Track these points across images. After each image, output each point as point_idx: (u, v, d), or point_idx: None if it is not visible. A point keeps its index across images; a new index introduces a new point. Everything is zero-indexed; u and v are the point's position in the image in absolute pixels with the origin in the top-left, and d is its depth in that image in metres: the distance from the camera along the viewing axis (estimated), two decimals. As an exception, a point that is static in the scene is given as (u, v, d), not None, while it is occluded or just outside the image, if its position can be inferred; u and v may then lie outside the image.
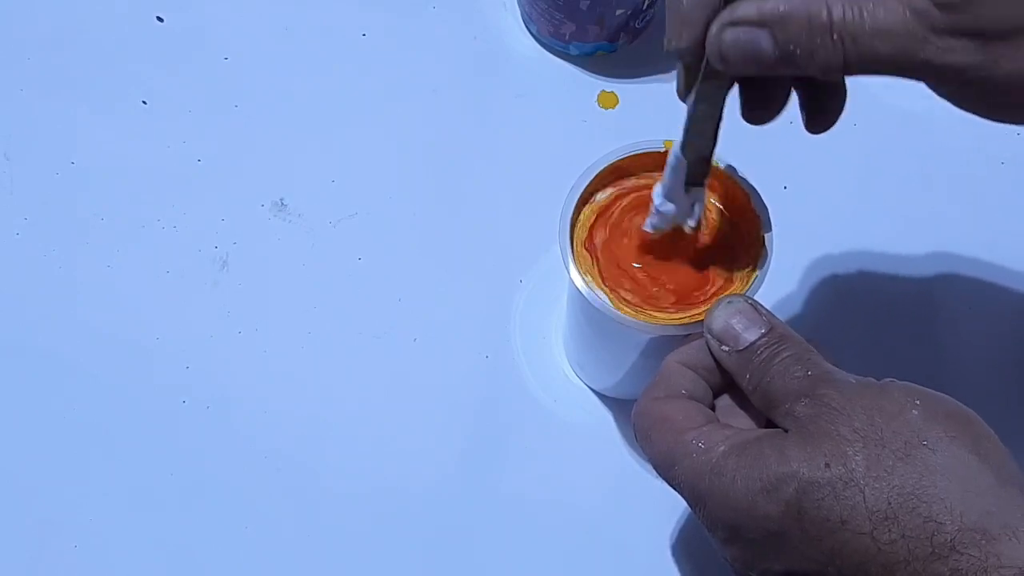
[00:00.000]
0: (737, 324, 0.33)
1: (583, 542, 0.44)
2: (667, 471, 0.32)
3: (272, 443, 0.46)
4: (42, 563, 0.44)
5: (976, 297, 0.49)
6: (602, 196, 0.38)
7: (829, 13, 0.28)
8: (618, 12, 0.49)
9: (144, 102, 0.52)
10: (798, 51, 0.29)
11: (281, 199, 0.50)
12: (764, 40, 0.29)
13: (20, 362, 0.47)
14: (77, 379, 0.47)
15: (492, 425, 0.46)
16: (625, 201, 0.37)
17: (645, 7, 0.50)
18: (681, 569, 0.44)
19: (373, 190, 0.50)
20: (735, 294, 0.35)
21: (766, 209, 0.36)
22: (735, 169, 0.37)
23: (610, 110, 0.52)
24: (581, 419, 0.47)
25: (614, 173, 0.37)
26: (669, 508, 0.45)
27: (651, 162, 0.37)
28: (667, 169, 0.34)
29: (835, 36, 0.29)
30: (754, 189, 0.37)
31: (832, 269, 0.49)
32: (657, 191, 0.35)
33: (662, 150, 0.37)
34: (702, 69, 0.31)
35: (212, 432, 0.46)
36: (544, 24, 0.52)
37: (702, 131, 0.33)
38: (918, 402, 0.30)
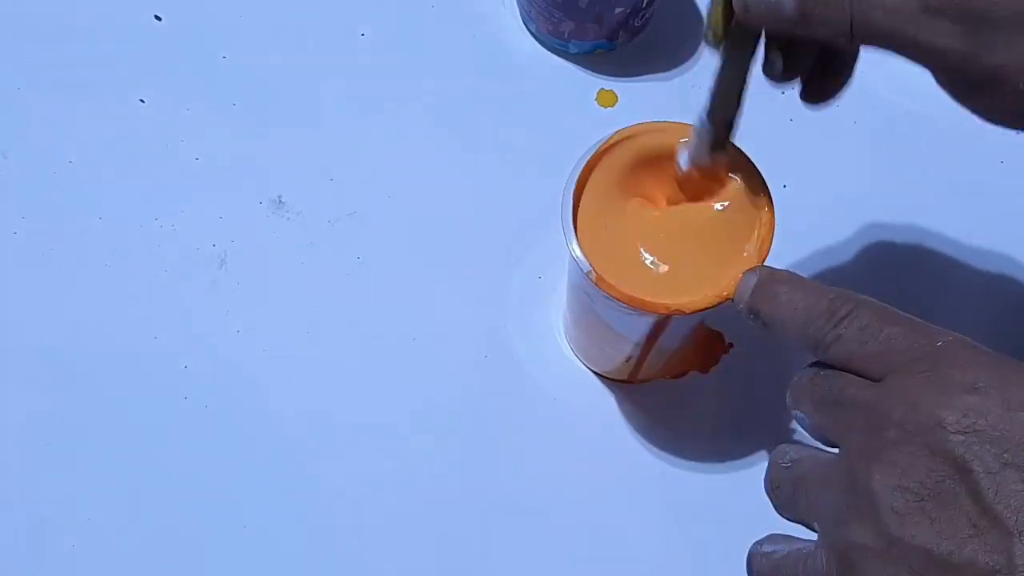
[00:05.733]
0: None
1: (591, 534, 0.44)
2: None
3: (271, 442, 0.46)
4: (41, 563, 0.44)
5: (976, 297, 0.49)
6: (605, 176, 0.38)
7: None
8: (617, 10, 0.49)
9: (142, 100, 0.52)
10: (816, 12, 0.30)
11: (279, 197, 0.50)
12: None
13: (18, 362, 0.47)
14: (75, 378, 0.47)
15: (493, 422, 0.46)
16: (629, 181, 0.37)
17: (644, 5, 0.50)
18: (687, 559, 0.44)
19: (371, 188, 0.50)
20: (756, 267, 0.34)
21: (768, 188, 0.36)
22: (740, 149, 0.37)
23: (609, 108, 0.52)
24: (585, 409, 0.46)
25: (618, 150, 0.37)
26: (677, 497, 0.45)
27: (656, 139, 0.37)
28: (692, 135, 0.35)
29: (847, 2, 0.29)
30: (756, 168, 0.36)
31: (832, 268, 0.49)
32: (682, 157, 0.36)
33: (671, 127, 0.37)
34: (730, 32, 0.32)
35: (210, 431, 0.46)
36: (543, 22, 0.51)
37: (727, 94, 0.34)
38: None
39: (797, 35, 0.32)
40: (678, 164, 0.36)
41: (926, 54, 0.30)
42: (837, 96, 0.36)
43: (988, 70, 0.29)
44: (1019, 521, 0.25)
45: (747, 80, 0.34)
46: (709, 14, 0.33)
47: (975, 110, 0.32)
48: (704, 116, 0.34)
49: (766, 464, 0.32)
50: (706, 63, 0.51)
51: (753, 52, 0.33)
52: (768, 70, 0.34)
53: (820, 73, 0.35)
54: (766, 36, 0.33)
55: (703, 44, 0.34)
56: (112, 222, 0.50)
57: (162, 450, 0.46)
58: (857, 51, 0.35)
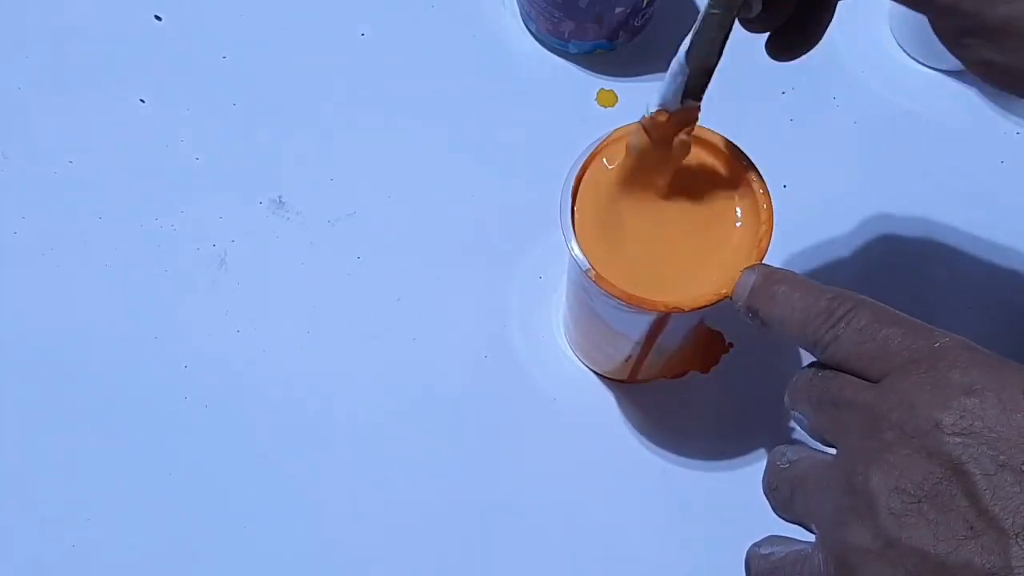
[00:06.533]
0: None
1: (591, 533, 0.44)
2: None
3: (271, 441, 0.46)
4: (41, 563, 0.44)
5: (976, 296, 0.48)
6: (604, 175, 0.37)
7: None
8: (617, 10, 0.49)
9: (142, 100, 0.52)
10: None
11: (279, 197, 0.50)
12: None
13: (18, 362, 0.47)
14: (75, 378, 0.47)
15: (493, 422, 0.46)
16: (627, 180, 0.37)
17: (644, 5, 0.50)
18: (687, 558, 0.44)
19: (372, 188, 0.50)
20: (755, 264, 0.34)
21: (767, 187, 0.36)
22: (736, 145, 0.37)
23: (609, 108, 0.52)
24: (585, 409, 0.46)
25: (617, 149, 0.37)
26: (677, 497, 0.45)
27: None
28: (667, 76, 0.34)
29: None
30: (754, 166, 0.36)
31: (831, 268, 0.49)
32: (652, 99, 0.35)
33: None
34: None
35: (210, 431, 0.46)
36: (543, 22, 0.51)
37: (710, 40, 0.33)
38: None
39: None
40: (647, 106, 0.35)
41: (937, 3, 0.29)
42: (804, 53, 0.35)
43: (998, 19, 0.29)
44: (1015, 523, 0.25)
45: (731, 26, 0.33)
46: None
47: (969, 63, 0.31)
48: (682, 57, 0.33)
49: (765, 464, 0.32)
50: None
51: None
52: (745, 12, 0.33)
53: (793, 27, 0.34)
54: None
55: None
56: (112, 222, 0.50)
57: (162, 450, 0.46)
58: (835, 6, 0.34)
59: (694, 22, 0.33)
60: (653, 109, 0.35)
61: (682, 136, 0.35)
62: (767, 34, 0.36)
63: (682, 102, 0.34)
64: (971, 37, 0.30)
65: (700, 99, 0.34)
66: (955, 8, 0.29)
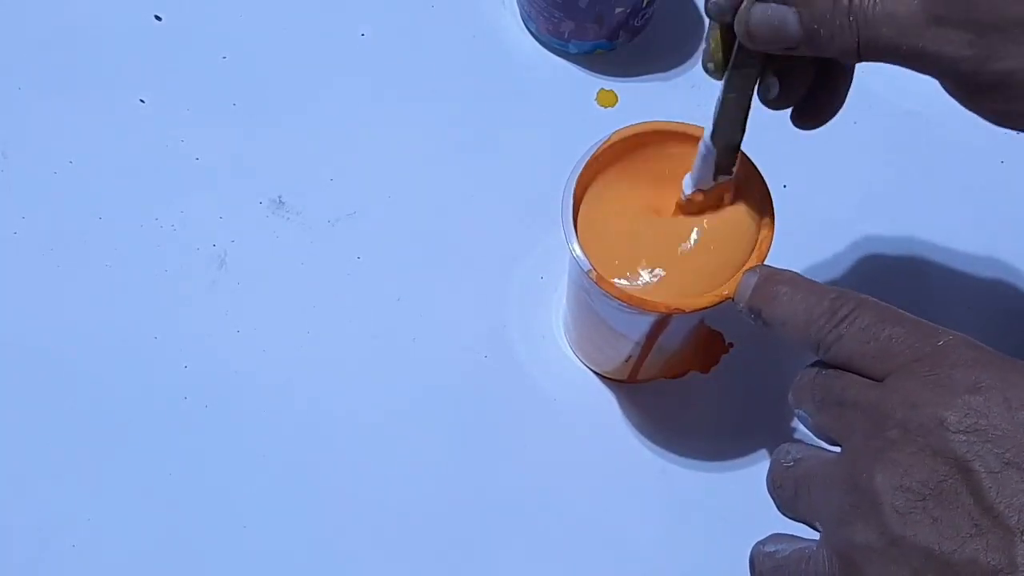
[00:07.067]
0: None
1: (591, 533, 0.44)
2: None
3: (271, 442, 0.46)
4: (41, 563, 0.44)
5: (976, 297, 0.49)
6: (606, 176, 0.38)
7: None
8: (617, 10, 0.49)
9: (142, 100, 0.52)
10: (821, 31, 0.30)
11: (279, 197, 0.50)
12: (790, 18, 0.30)
13: (18, 362, 0.47)
14: (75, 379, 0.47)
15: (493, 422, 0.46)
16: (628, 178, 0.37)
17: (644, 5, 0.50)
18: (688, 558, 0.44)
19: (372, 188, 0.50)
20: (756, 266, 0.35)
21: (768, 188, 0.36)
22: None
23: (609, 108, 0.52)
24: (585, 409, 0.46)
25: (618, 150, 0.37)
26: (677, 497, 0.45)
27: (656, 139, 0.37)
28: (697, 159, 0.35)
29: (851, 18, 0.29)
30: (756, 167, 0.36)
31: (831, 268, 0.49)
32: (687, 181, 0.36)
33: (670, 128, 0.37)
34: (732, 56, 0.32)
35: (210, 431, 0.46)
36: (543, 22, 0.51)
37: (731, 120, 0.34)
38: None
39: (803, 54, 0.31)
40: (682, 189, 0.36)
41: (933, 64, 0.30)
42: (830, 118, 0.36)
43: (998, 75, 0.29)
44: (1020, 520, 0.25)
45: (750, 103, 0.34)
46: (706, 40, 0.33)
47: (984, 115, 0.32)
48: (708, 140, 0.34)
49: (766, 463, 0.32)
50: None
51: (756, 75, 0.33)
52: (764, 94, 0.34)
53: (815, 96, 0.35)
54: (765, 58, 0.33)
55: (703, 44, 0.33)
56: (112, 222, 0.50)
57: (162, 450, 0.46)
58: (853, 71, 0.35)
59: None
60: (688, 192, 0.36)
61: (721, 204, 0.37)
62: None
63: (715, 179, 0.35)
64: (976, 93, 0.31)
65: (732, 173, 0.35)
66: (954, 70, 0.30)
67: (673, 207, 0.37)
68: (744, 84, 0.33)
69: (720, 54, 0.32)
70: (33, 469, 0.46)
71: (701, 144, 0.34)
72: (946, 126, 0.51)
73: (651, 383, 0.47)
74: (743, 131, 0.34)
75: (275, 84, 0.53)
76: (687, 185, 0.36)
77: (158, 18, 0.54)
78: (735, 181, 0.36)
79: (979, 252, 0.49)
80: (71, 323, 0.48)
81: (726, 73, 0.33)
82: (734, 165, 0.35)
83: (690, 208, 0.36)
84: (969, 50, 0.29)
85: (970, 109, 0.32)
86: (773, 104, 0.34)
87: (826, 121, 0.36)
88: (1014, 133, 0.51)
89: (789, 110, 0.36)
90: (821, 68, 0.34)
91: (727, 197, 0.36)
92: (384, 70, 0.53)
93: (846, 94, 0.35)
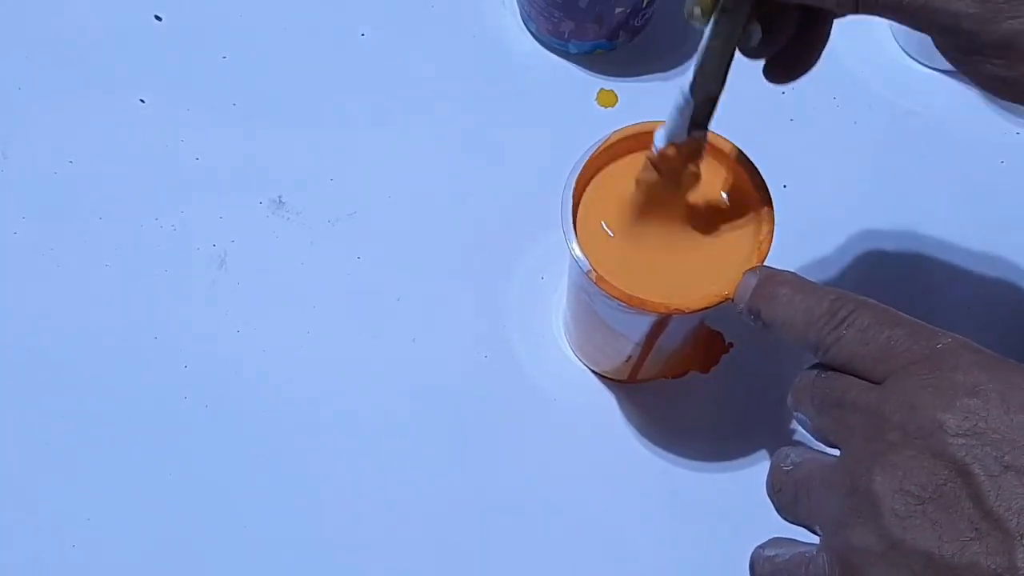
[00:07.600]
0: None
1: (591, 534, 0.44)
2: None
3: (271, 441, 0.46)
4: (41, 563, 0.44)
5: (976, 296, 0.48)
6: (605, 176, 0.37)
7: None
8: (617, 10, 0.49)
9: (142, 100, 0.52)
10: None
11: (279, 197, 0.50)
12: None
13: (18, 362, 0.47)
14: (75, 378, 0.47)
15: (492, 422, 0.46)
16: (628, 180, 0.37)
17: (644, 5, 0.50)
18: (688, 559, 0.44)
19: (372, 189, 0.50)
20: (756, 267, 0.34)
21: (768, 188, 0.36)
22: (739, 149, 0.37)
23: (609, 108, 0.52)
24: (585, 409, 0.46)
25: (618, 150, 0.37)
26: (677, 497, 0.45)
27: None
28: (672, 109, 0.34)
29: None
30: (755, 168, 0.36)
31: (831, 268, 0.49)
32: (659, 134, 0.35)
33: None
34: (719, 4, 0.31)
35: (210, 431, 0.46)
36: (543, 22, 0.51)
37: (713, 70, 0.33)
38: None
39: (794, 2, 0.30)
40: (654, 141, 0.35)
41: (934, 18, 0.29)
42: (802, 75, 0.35)
43: (1003, 36, 0.28)
44: (1020, 523, 0.25)
45: (732, 54, 0.33)
46: None
47: (979, 80, 0.31)
48: (687, 90, 0.33)
49: (766, 464, 0.32)
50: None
51: (743, 21, 0.32)
52: (745, 41, 0.33)
53: (792, 49, 0.34)
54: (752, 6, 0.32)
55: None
56: (112, 222, 0.50)
57: (162, 450, 0.46)
58: (830, 30, 0.34)
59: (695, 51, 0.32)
60: (660, 145, 0.35)
61: (691, 168, 0.36)
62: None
63: (689, 133, 0.34)
64: (975, 55, 0.30)
65: (706, 128, 0.34)
66: (956, 27, 0.29)
67: (673, 207, 0.37)
68: (730, 30, 0.32)
69: (709, 1, 0.31)
70: (33, 469, 0.46)
71: (678, 94, 0.33)
72: (946, 126, 0.51)
73: (651, 383, 0.47)
74: (723, 83, 0.33)
75: (275, 84, 0.53)
76: (658, 139, 0.35)
77: (158, 18, 0.54)
78: (705, 146, 0.35)
79: (980, 251, 0.49)
80: (71, 323, 0.48)
81: (713, 17, 0.32)
82: (710, 119, 0.34)
83: (662, 164, 0.35)
84: (975, 6, 0.28)
85: (964, 73, 0.31)
86: (753, 53, 0.34)
87: (797, 77, 0.35)
88: (1012, 132, 0.51)
89: (762, 64, 0.35)
90: (803, 20, 0.34)
91: (699, 164, 0.35)
92: (384, 70, 0.53)
93: (821, 52, 0.34)
